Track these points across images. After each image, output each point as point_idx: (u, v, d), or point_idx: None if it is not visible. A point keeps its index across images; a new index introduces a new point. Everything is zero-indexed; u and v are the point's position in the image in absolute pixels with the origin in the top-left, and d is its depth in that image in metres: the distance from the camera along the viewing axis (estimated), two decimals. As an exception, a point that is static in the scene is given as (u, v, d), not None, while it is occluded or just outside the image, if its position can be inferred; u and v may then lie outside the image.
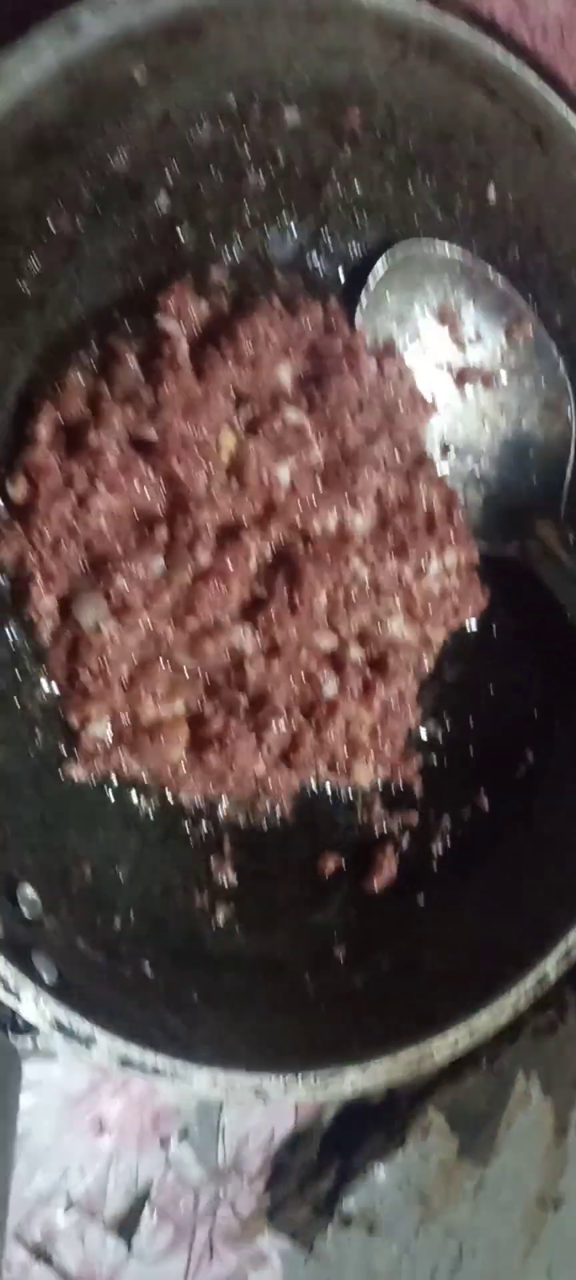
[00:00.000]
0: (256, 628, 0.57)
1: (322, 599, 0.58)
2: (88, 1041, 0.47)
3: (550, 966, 0.56)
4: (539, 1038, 0.70)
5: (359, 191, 0.61)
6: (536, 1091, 0.70)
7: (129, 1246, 0.60)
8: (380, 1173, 0.66)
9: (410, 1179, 0.66)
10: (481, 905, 0.60)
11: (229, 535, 0.57)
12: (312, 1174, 0.65)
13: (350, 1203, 0.65)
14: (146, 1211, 0.60)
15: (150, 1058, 0.48)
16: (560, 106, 0.57)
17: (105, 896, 0.55)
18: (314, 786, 0.62)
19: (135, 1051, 0.48)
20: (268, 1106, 0.63)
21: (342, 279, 0.63)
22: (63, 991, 0.47)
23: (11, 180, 0.50)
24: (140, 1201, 0.60)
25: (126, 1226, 0.60)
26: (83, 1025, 0.47)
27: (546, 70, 0.57)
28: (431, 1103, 0.67)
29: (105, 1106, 0.60)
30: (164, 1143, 0.61)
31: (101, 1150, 0.60)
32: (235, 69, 0.54)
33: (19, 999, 0.46)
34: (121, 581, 0.55)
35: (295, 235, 0.62)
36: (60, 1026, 0.47)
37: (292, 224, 0.61)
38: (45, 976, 0.47)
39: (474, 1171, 0.68)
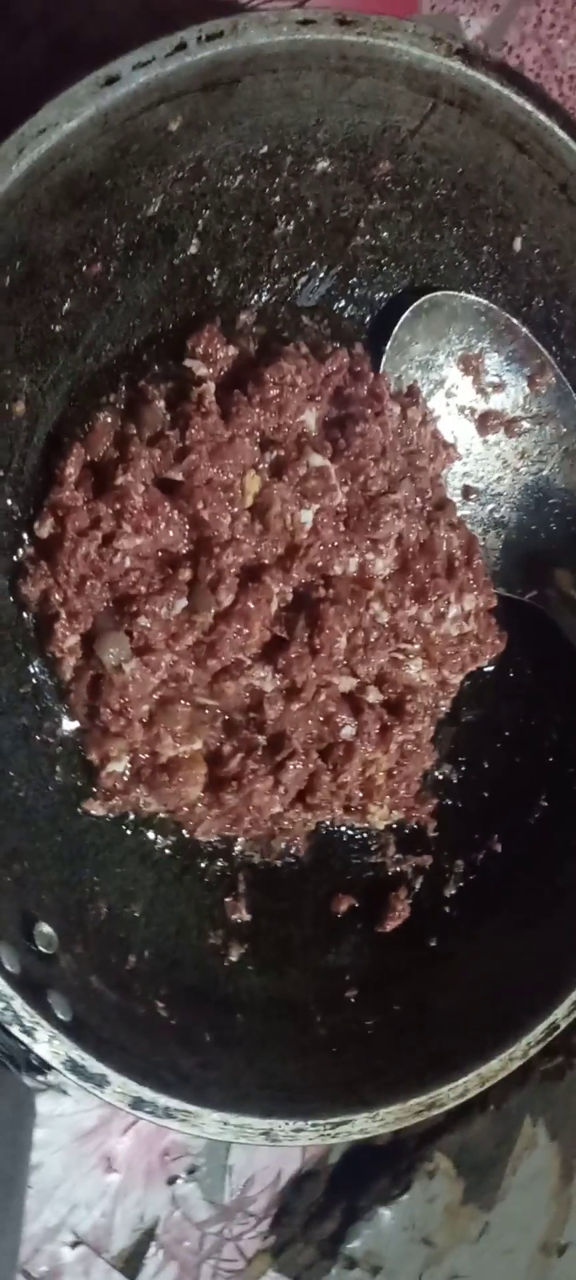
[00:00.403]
0: (276, 669, 0.57)
1: (342, 641, 0.58)
2: (100, 1082, 0.48)
3: (560, 1014, 0.56)
4: (547, 1083, 0.70)
5: (387, 240, 0.62)
6: (543, 1136, 0.70)
7: (134, 1282, 0.60)
8: (385, 1215, 0.66)
9: (415, 1222, 0.66)
10: (493, 950, 0.60)
11: (251, 577, 0.57)
12: (318, 1215, 0.65)
13: (355, 1244, 0.65)
14: (152, 1249, 0.60)
15: (162, 1100, 0.49)
16: (588, 164, 0.58)
17: (120, 934, 0.56)
18: (329, 826, 0.62)
19: (147, 1093, 0.48)
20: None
21: (368, 325, 0.64)
22: (77, 1031, 0.47)
23: (48, 226, 0.51)
24: (146, 1239, 0.60)
25: (131, 1264, 0.60)
26: (96, 1066, 0.47)
27: (574, 125, 0.57)
28: (437, 1146, 0.67)
29: (114, 1142, 0.60)
30: (171, 1180, 0.61)
31: (109, 1186, 0.60)
32: (268, 119, 0.55)
33: (34, 1039, 0.46)
34: (144, 621, 0.55)
35: (323, 282, 0.62)
36: (74, 1067, 0.47)
37: (321, 271, 0.62)
38: (60, 1015, 0.47)
39: (479, 1215, 0.68)
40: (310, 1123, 0.51)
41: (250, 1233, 0.62)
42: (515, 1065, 0.56)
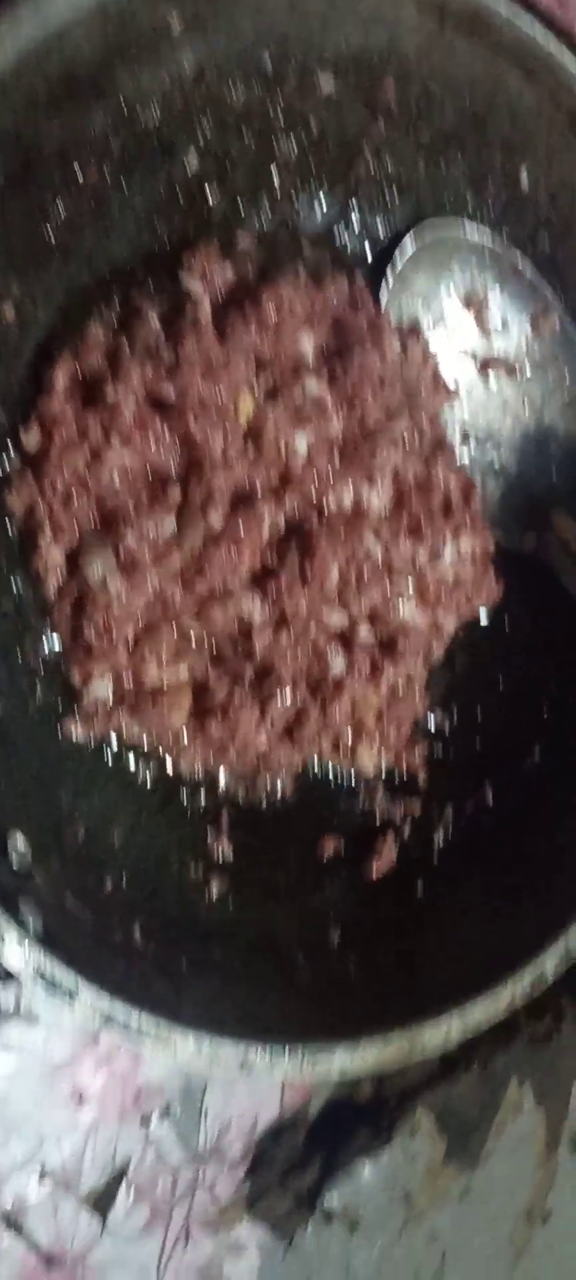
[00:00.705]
0: (266, 597, 0.56)
1: (334, 574, 0.57)
2: (71, 994, 0.46)
3: (548, 965, 0.54)
4: (534, 1045, 0.68)
5: (390, 167, 0.61)
6: (529, 1100, 0.68)
7: (103, 1223, 0.58)
8: (365, 1170, 0.64)
9: (395, 1179, 0.64)
10: (481, 899, 0.59)
11: (243, 501, 0.56)
12: (296, 1166, 0.63)
13: (333, 1198, 0.63)
14: (123, 1189, 0.59)
15: (134, 1017, 0.47)
16: (598, 93, 0.56)
17: (97, 858, 0.54)
18: (316, 768, 0.61)
19: (119, 1009, 0.47)
20: (252, 1091, 0.61)
21: (370, 256, 0.62)
22: (48, 941, 0.46)
23: (43, 118, 0.50)
24: (117, 1178, 0.59)
25: (102, 1202, 0.58)
26: (67, 976, 0.46)
27: (586, 56, 0.56)
28: (420, 1102, 0.65)
29: (86, 1078, 0.58)
30: (145, 1120, 0.59)
31: (80, 1122, 0.58)
32: (272, 28, 0.54)
33: (2, 941, 0.45)
34: (131, 538, 0.54)
35: (325, 207, 0.61)
36: (43, 976, 0.45)
37: (323, 195, 0.61)
38: (31, 925, 0.46)
39: (461, 1177, 0.66)
40: (287, 1056, 0.50)
41: (225, 1179, 0.61)
42: (500, 1015, 0.54)
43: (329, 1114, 0.65)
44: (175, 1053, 0.48)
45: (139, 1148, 0.59)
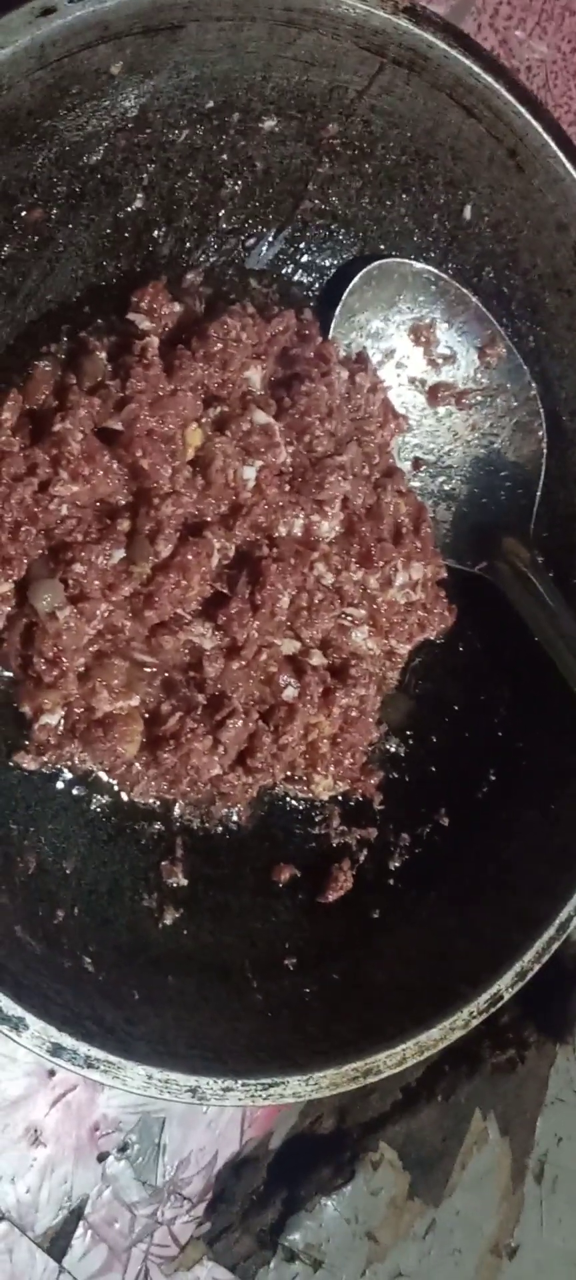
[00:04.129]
0: (216, 626, 0.56)
1: (285, 602, 0.57)
2: (18, 1025, 0.46)
3: (504, 984, 0.54)
4: (498, 1075, 0.68)
5: (336, 205, 0.62)
6: (494, 1132, 0.68)
7: (60, 1265, 0.57)
8: (328, 1206, 0.63)
9: (358, 1215, 0.64)
10: (437, 922, 0.59)
11: (192, 530, 0.56)
12: (257, 1203, 0.63)
13: (295, 1237, 0.63)
14: (80, 1229, 0.58)
15: (83, 1048, 0.47)
16: (535, 125, 0.58)
17: (49, 889, 0.54)
18: (272, 796, 0.61)
19: (68, 1040, 0.46)
20: (211, 1126, 0.61)
21: (318, 292, 0.63)
22: (-7, 972, 0.46)
23: (-17, 159, 0.50)
24: (74, 1218, 0.58)
25: (57, 1244, 0.57)
26: (13, 1008, 0.46)
27: (522, 90, 0.58)
28: (383, 1137, 0.65)
29: (41, 1115, 0.58)
30: (101, 1158, 0.59)
31: (35, 1161, 0.57)
32: (214, 71, 0.55)
33: (-55, 973, 0.44)
34: (80, 568, 0.54)
35: (271, 245, 0.62)
36: (-11, 1008, 0.45)
37: (270, 234, 0.62)
38: (-24, 955, 0.45)
39: (425, 1212, 0.65)
40: (240, 1082, 0.50)
41: (184, 1217, 0.60)
42: (456, 1035, 0.54)
43: (290, 1148, 0.64)
44: (125, 1082, 0.47)
45: (96, 1186, 0.58)
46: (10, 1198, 0.56)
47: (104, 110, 0.54)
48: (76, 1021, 0.48)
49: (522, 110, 0.58)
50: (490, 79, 0.57)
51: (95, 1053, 0.47)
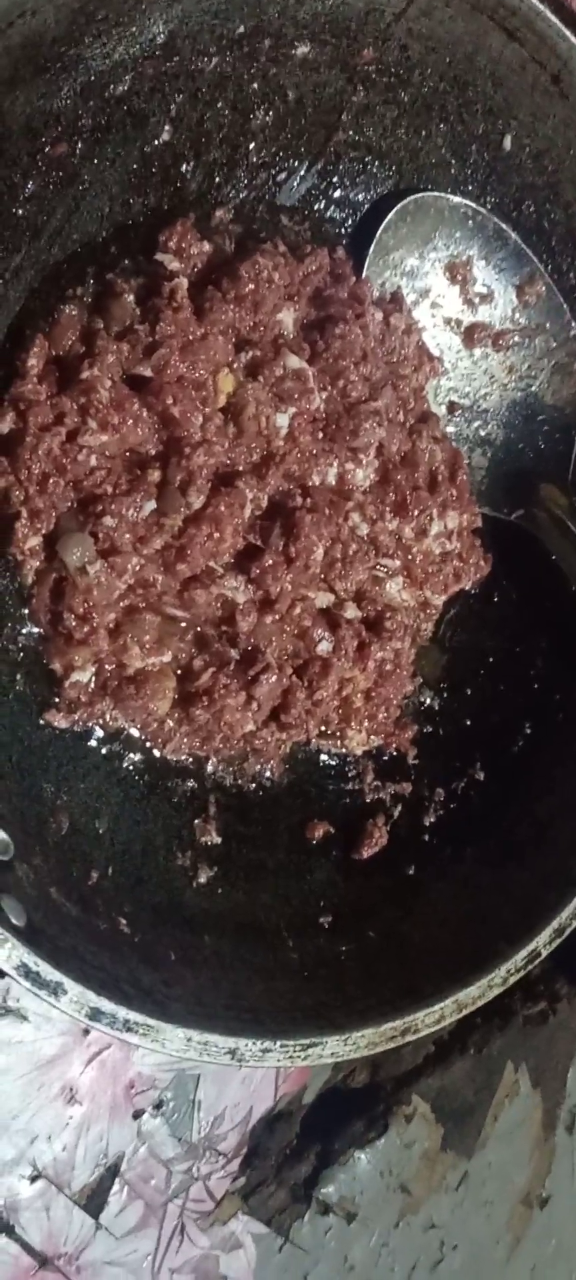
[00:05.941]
0: (250, 579, 0.55)
1: (319, 553, 0.56)
2: (56, 989, 0.45)
3: (541, 941, 0.53)
4: (530, 1028, 0.67)
5: (371, 136, 0.59)
6: (525, 1084, 0.67)
7: (96, 1221, 0.57)
8: (361, 1160, 0.63)
9: (391, 1168, 0.64)
10: (473, 879, 0.58)
11: (224, 481, 0.55)
12: (291, 1157, 0.63)
13: (329, 1189, 0.63)
14: (116, 1186, 0.58)
15: (122, 1012, 0.46)
16: (581, 50, 0.55)
17: (83, 849, 0.53)
18: (305, 752, 0.60)
19: (106, 1004, 0.46)
20: (246, 1082, 0.60)
21: (351, 229, 0.61)
22: (32, 937, 0.45)
23: (6, 93, 0.48)
24: (110, 1175, 0.58)
25: (94, 1200, 0.57)
26: (51, 973, 0.45)
27: (568, 13, 0.55)
28: (416, 1090, 0.65)
29: (77, 1074, 0.57)
30: (137, 1115, 0.58)
31: (71, 1119, 0.57)
32: (245, -5, 0.52)
33: (-15, 938, 0.43)
34: (110, 521, 0.53)
35: (303, 180, 0.59)
36: (28, 973, 0.44)
37: (301, 168, 0.59)
38: (13, 919, 0.44)
39: (458, 1164, 0.65)
40: (279, 1043, 0.49)
41: (219, 1173, 0.60)
42: (494, 992, 0.53)
43: (324, 1102, 0.64)
44: (164, 1045, 0.47)
45: (131, 1143, 0.58)
46: (47, 1156, 0.56)
47: (131, 37, 0.51)
48: (114, 985, 0.47)
49: (568, 34, 0.55)
50: (533, 2, 0.55)
51: (134, 1016, 0.46)
